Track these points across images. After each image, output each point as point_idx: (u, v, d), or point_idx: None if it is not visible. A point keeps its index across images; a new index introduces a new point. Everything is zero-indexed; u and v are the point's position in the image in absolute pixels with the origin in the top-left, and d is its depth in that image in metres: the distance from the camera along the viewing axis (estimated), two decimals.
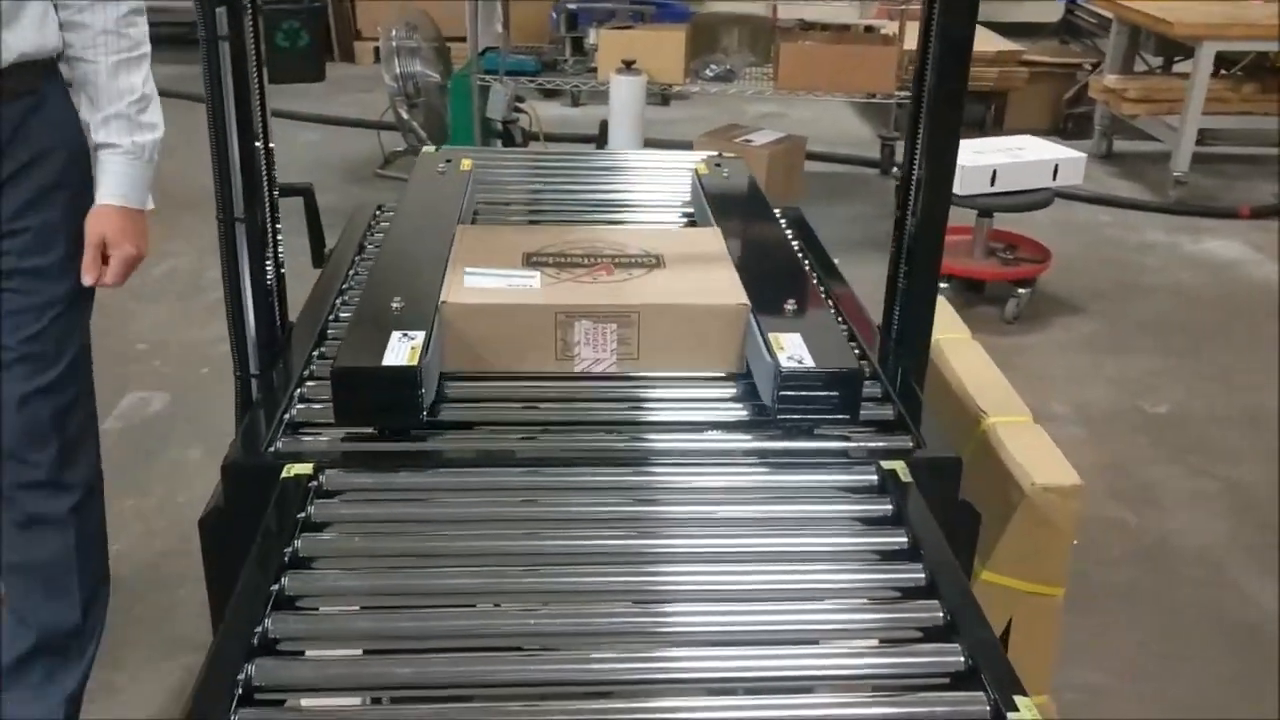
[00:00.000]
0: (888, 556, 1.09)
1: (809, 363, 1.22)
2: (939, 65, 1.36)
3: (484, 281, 1.36)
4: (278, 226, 1.46)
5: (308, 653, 0.96)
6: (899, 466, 1.21)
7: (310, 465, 1.17)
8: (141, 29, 1.72)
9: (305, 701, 0.95)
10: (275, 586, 1.00)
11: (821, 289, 1.63)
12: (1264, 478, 3.08)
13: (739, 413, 1.30)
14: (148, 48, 1.73)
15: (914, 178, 1.44)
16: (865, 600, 1.05)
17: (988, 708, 0.90)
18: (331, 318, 1.52)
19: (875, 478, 1.20)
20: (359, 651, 0.98)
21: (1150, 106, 5.42)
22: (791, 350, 1.24)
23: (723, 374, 1.35)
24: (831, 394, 1.23)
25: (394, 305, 1.30)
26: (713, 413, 1.31)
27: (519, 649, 0.99)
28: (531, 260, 1.42)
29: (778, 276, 1.48)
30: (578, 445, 1.24)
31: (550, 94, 6.29)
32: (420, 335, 1.23)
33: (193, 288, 3.97)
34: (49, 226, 1.72)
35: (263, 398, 1.36)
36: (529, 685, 0.94)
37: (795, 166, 4.94)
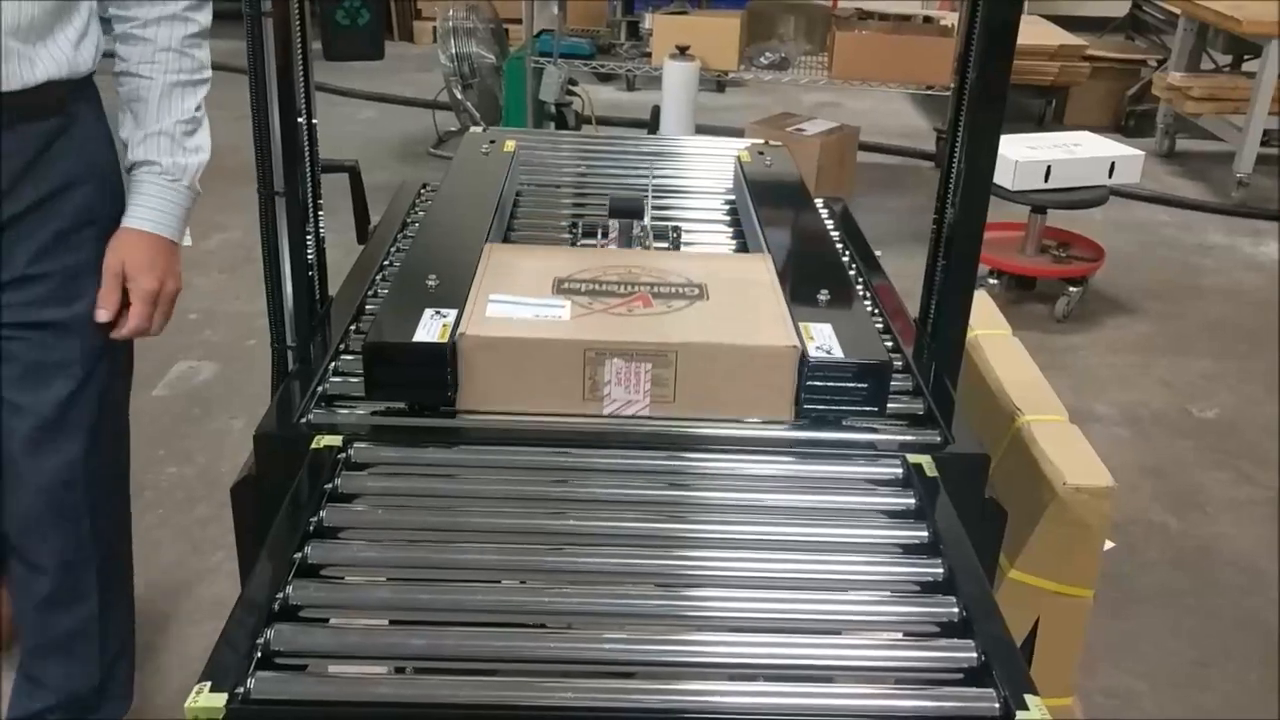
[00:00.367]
0: (908, 550, 1.09)
1: (837, 353, 1.22)
2: (981, 56, 1.34)
3: (507, 310, 1.24)
4: (319, 201, 1.49)
5: (331, 620, 0.98)
6: (925, 461, 1.20)
7: (340, 438, 1.19)
8: (205, 54, 1.56)
9: (333, 668, 0.96)
10: (299, 555, 1.02)
11: (859, 281, 1.63)
12: None
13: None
14: (209, 74, 1.57)
15: (954, 170, 1.43)
16: (881, 593, 1.04)
17: (997, 705, 0.90)
18: (370, 293, 1.53)
19: (901, 471, 1.20)
20: (384, 622, 1.00)
21: (1215, 105, 5.32)
22: (821, 340, 1.24)
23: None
24: (859, 386, 1.22)
25: (429, 282, 1.32)
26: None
27: (542, 626, 1.01)
28: (562, 287, 1.30)
29: (813, 266, 1.48)
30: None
31: (606, 78, 6.29)
32: (453, 313, 1.24)
33: (244, 259, 4.03)
34: (74, 270, 1.51)
35: (298, 369, 1.38)
36: (549, 662, 0.95)
37: (848, 157, 4.90)
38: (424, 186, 1.94)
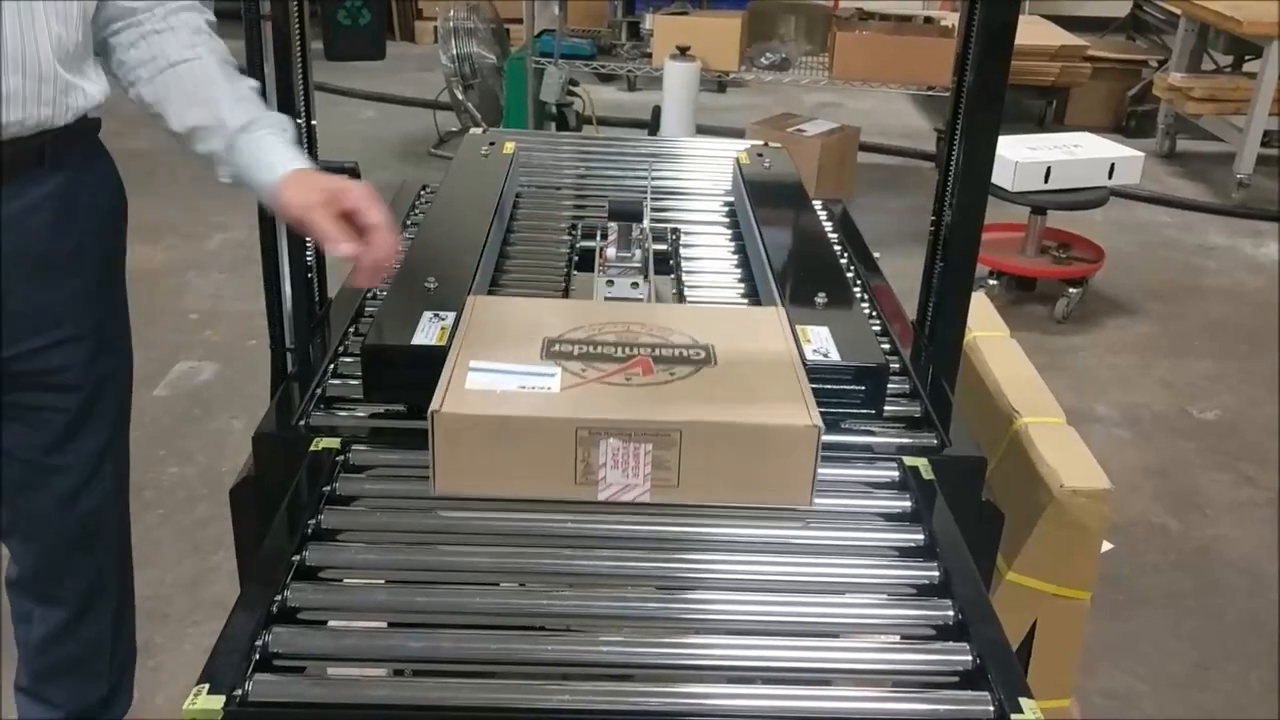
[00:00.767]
0: (904, 554, 1.10)
1: (834, 356, 1.22)
2: (980, 56, 1.35)
3: (490, 380, 1.09)
4: None
5: (329, 623, 0.98)
6: (922, 464, 1.20)
7: (338, 440, 1.19)
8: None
9: (331, 670, 0.97)
10: (297, 557, 1.03)
11: (857, 283, 1.63)
12: None
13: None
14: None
15: (951, 171, 1.43)
16: (877, 596, 1.05)
17: (992, 708, 0.90)
18: (370, 295, 1.54)
19: (897, 474, 1.20)
20: (383, 624, 1.00)
21: (1216, 106, 5.32)
22: (818, 343, 1.24)
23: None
24: (856, 389, 1.23)
25: (427, 285, 1.32)
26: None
27: (541, 629, 1.01)
28: (552, 349, 1.15)
29: (810, 269, 1.48)
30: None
31: (607, 78, 6.29)
32: (451, 316, 1.25)
33: (245, 259, 4.03)
34: (100, 320, 1.51)
35: (297, 371, 1.38)
36: (547, 664, 0.95)
37: (848, 157, 4.90)
38: (424, 188, 1.94)
